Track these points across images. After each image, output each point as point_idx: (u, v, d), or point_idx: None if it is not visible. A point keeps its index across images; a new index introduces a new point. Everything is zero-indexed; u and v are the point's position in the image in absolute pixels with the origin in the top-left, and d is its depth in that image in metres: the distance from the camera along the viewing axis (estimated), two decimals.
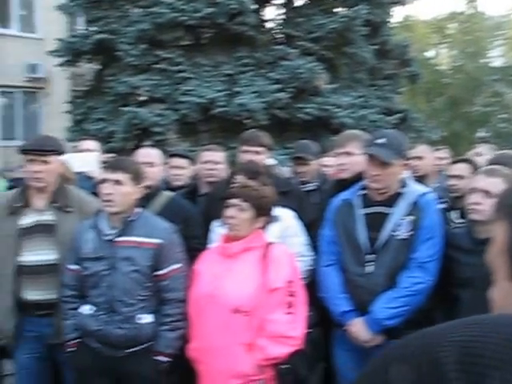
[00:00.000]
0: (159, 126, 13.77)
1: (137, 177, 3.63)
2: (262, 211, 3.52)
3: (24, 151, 3.90)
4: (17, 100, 19.28)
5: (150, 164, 4.38)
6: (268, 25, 16.39)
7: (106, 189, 3.55)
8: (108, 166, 3.69)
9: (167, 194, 4.41)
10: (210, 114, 13.96)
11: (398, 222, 3.57)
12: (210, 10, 13.86)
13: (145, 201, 3.94)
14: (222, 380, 3.39)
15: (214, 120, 14.14)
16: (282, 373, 3.34)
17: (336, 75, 15.43)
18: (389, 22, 18.19)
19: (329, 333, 3.90)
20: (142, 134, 13.77)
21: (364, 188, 3.77)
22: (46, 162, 3.85)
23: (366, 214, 3.69)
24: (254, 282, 3.37)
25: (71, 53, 15.83)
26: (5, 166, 11.09)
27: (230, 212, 3.49)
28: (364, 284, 3.59)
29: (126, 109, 14.05)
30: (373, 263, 3.58)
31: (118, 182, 3.54)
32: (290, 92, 14.12)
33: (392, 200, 3.64)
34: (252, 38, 14.83)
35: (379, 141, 3.62)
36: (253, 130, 5.15)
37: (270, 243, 3.54)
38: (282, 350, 3.33)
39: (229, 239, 3.54)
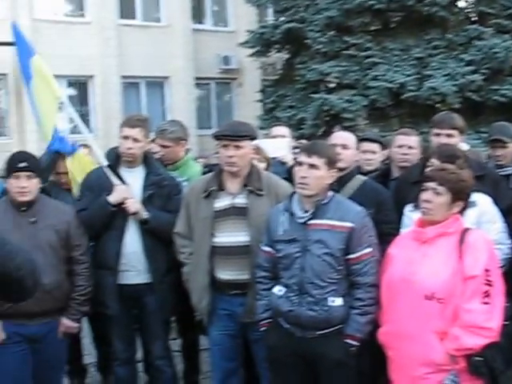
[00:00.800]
0: (349, 111, 13.72)
1: (331, 161, 3.61)
2: (459, 195, 3.39)
3: (218, 137, 4.03)
4: (211, 91, 20.13)
5: (345, 146, 4.35)
6: (460, 4, 15.70)
7: (300, 172, 3.57)
8: (304, 149, 3.70)
9: (360, 177, 4.36)
10: (399, 99, 13.70)
11: None
12: None
13: (338, 184, 3.92)
14: (411, 367, 3.33)
15: (404, 105, 13.86)
16: (475, 365, 3.20)
17: None
18: None
19: None
20: (332, 120, 13.79)
21: None
22: (238, 147, 3.93)
23: None
24: (449, 268, 3.26)
25: (261, 43, 16.23)
26: (200, 153, 11.59)
27: (425, 196, 3.39)
28: None
29: (315, 96, 14.17)
30: None
31: (312, 166, 3.54)
32: (483, 73, 13.48)
33: None
34: (443, 19, 14.29)
35: None
36: (445, 112, 4.95)
37: (467, 229, 3.40)
38: (476, 341, 3.19)
39: (424, 224, 3.44)
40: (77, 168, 4.92)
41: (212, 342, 4.24)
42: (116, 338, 4.52)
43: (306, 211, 3.59)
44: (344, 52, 14.44)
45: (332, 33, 14.45)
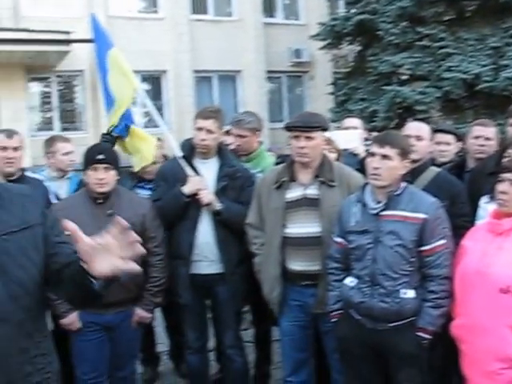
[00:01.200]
0: (422, 103, 13.52)
1: (404, 152, 3.57)
2: None
3: (289, 128, 4.04)
4: (283, 84, 20.14)
5: (419, 138, 4.31)
6: None
7: (373, 163, 3.55)
8: (376, 140, 3.68)
9: (434, 169, 4.30)
10: (474, 90, 13.41)
11: None
12: None
13: (412, 175, 3.88)
14: (485, 362, 3.27)
15: (479, 96, 13.55)
16: None
17: None
18: None
19: None
20: (405, 113, 13.63)
21: None
22: (310, 138, 3.93)
23: None
24: None
25: (333, 36, 16.15)
26: (272, 146, 11.62)
27: (502, 187, 3.33)
28: None
29: (388, 88, 14.02)
30: None
31: (385, 157, 3.52)
32: None
33: None
34: None
35: None
36: None
37: None
38: None
39: (499, 215, 3.38)
40: (131, 144, 5.04)
41: (283, 333, 4.26)
42: (188, 327, 4.59)
43: (379, 202, 3.57)
44: (417, 43, 14.22)
45: (404, 23, 14.26)
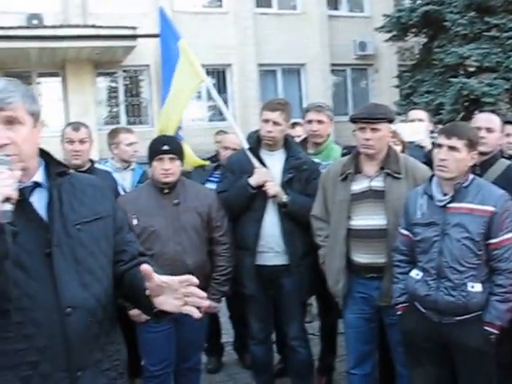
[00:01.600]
0: (489, 96, 13.23)
1: (472, 143, 3.52)
2: None
3: (355, 120, 4.03)
4: (347, 77, 20.01)
5: (489, 129, 4.23)
6: None
7: (440, 154, 3.51)
8: (443, 131, 3.63)
9: (504, 161, 4.21)
10: None
11: None
12: None
13: (481, 168, 3.82)
14: None
15: None
16: None
17: None
18: None
19: None
20: (472, 105, 13.38)
21: None
22: (375, 130, 3.91)
23: None
24: None
25: (398, 27, 15.96)
26: (337, 139, 11.57)
27: None
28: None
29: (454, 80, 13.78)
30: None
31: (452, 148, 3.47)
32: None
33: None
34: None
35: None
36: None
37: None
38: None
39: None
40: None
41: (347, 325, 4.25)
42: (253, 318, 4.63)
43: (446, 194, 3.53)
44: (485, 34, 13.93)
45: (472, 13, 13.97)
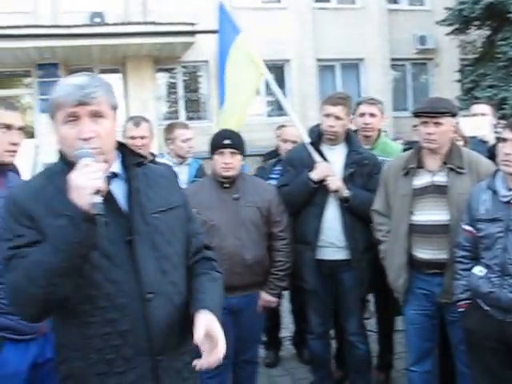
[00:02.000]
0: None
1: None
2: None
3: (417, 114, 3.98)
4: (407, 72, 19.76)
5: None
6: None
7: (504, 148, 3.43)
8: (508, 125, 3.54)
9: None
10: None
11: None
12: None
13: None
14: None
15: None
16: None
17: None
18: None
19: None
20: None
21: None
22: (438, 124, 3.86)
23: None
24: None
25: (460, 21, 15.69)
26: (396, 135, 11.47)
27: None
28: None
29: None
30: None
31: None
32: None
33: None
34: None
35: None
36: None
37: None
38: None
39: None
40: None
41: (408, 321, 4.20)
42: (312, 313, 4.63)
43: (510, 189, 3.45)
44: None
45: None
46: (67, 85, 2.13)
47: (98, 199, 1.95)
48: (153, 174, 2.38)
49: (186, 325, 2.27)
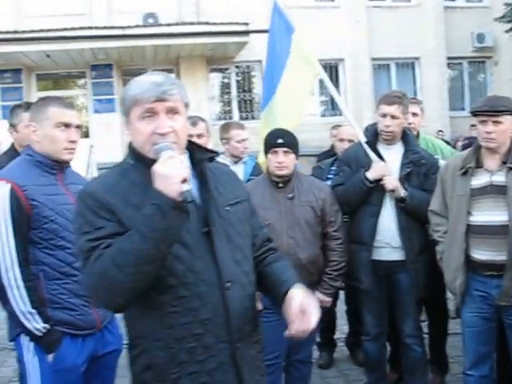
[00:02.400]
0: None
1: None
2: None
3: (476, 113, 3.90)
4: (464, 71, 19.46)
5: None
6: None
7: None
8: None
9: None
10: None
11: None
12: None
13: None
14: None
15: None
16: None
17: None
18: None
19: None
20: None
21: None
22: (497, 123, 3.78)
23: None
24: None
25: None
26: (452, 135, 11.30)
27: None
28: None
29: None
30: None
31: None
32: None
33: None
34: None
35: None
36: None
37: None
38: None
39: None
40: None
41: (465, 324, 4.12)
42: (367, 313, 4.59)
43: None
44: None
45: None
46: (144, 82, 2.21)
47: (187, 187, 2.04)
48: (218, 171, 2.46)
49: (255, 313, 2.37)
